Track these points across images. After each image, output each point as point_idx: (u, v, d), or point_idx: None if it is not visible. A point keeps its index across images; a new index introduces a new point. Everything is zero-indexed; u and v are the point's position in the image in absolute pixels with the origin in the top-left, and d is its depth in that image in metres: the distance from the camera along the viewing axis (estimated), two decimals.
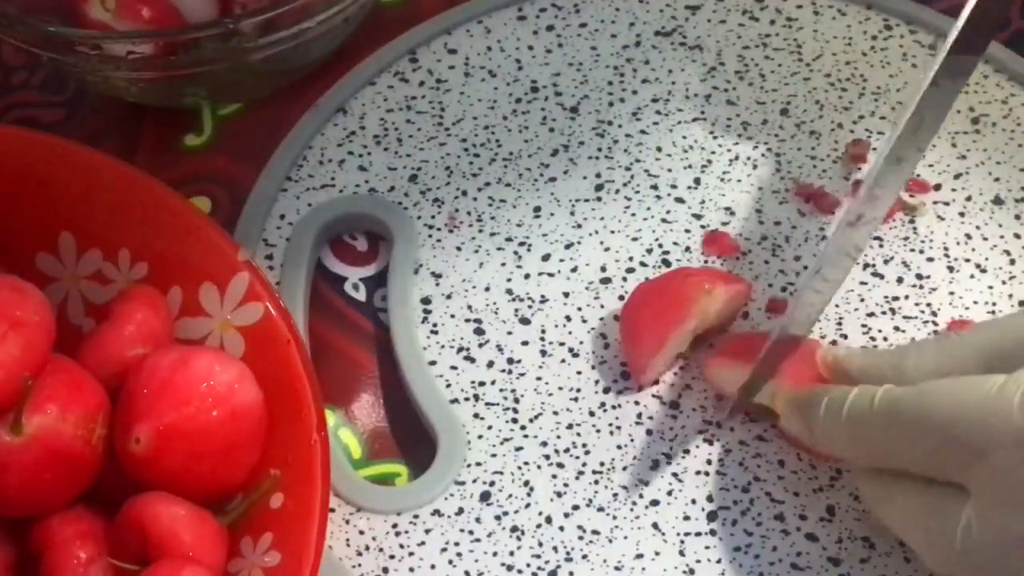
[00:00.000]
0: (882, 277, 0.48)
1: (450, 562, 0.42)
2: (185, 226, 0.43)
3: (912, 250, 0.49)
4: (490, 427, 0.45)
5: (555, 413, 0.45)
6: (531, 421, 0.45)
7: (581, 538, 0.43)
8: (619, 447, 0.44)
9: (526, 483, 0.44)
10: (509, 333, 0.47)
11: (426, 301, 0.48)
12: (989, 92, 0.53)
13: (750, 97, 0.54)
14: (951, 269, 0.48)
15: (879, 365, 0.39)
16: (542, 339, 0.47)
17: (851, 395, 0.37)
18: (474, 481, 0.44)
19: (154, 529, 0.37)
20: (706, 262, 0.49)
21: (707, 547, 0.42)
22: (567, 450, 0.44)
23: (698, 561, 0.42)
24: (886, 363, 0.38)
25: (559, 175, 0.51)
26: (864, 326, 0.47)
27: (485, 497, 0.43)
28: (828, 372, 0.41)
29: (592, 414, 0.45)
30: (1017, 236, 0.49)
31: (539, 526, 0.43)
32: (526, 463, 0.44)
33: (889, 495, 0.37)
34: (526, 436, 0.45)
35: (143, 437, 0.38)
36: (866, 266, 0.48)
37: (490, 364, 0.46)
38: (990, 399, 0.34)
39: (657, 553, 0.42)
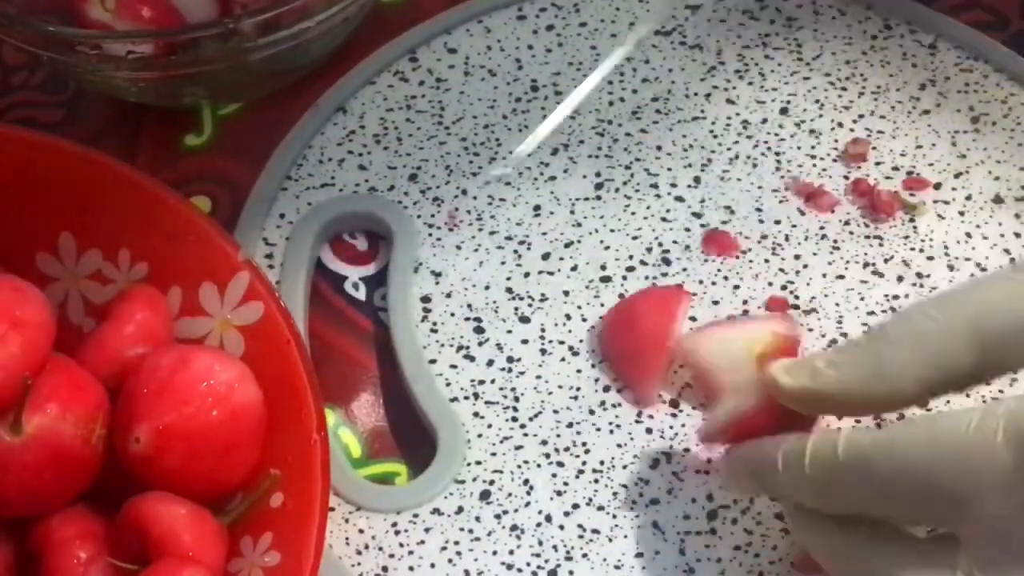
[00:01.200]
0: (882, 276, 0.48)
1: (450, 561, 0.42)
2: (185, 226, 0.43)
3: (912, 249, 0.49)
4: (490, 426, 0.45)
5: (555, 412, 0.45)
6: (531, 420, 0.45)
7: (581, 537, 0.43)
8: (619, 446, 0.44)
9: (526, 482, 0.44)
10: (509, 332, 0.47)
11: (426, 300, 0.48)
12: (989, 92, 0.53)
13: (750, 96, 0.54)
14: (951, 268, 0.48)
15: (859, 377, 0.34)
16: (542, 338, 0.47)
17: (809, 446, 0.34)
18: (474, 480, 0.44)
19: (154, 529, 0.37)
20: (706, 261, 0.49)
21: (707, 546, 0.42)
22: (567, 449, 0.44)
23: (698, 560, 0.42)
24: (864, 373, 0.34)
25: (559, 174, 0.51)
26: (864, 325, 0.47)
27: (485, 496, 0.43)
28: (789, 398, 0.36)
29: (592, 412, 0.45)
30: (1017, 235, 0.49)
31: (539, 525, 0.43)
32: (526, 462, 0.44)
33: (847, 541, 0.34)
34: (526, 435, 0.45)
35: (143, 437, 0.38)
36: (866, 265, 0.48)
37: (490, 363, 0.46)
38: (970, 439, 0.30)
39: (657, 552, 0.42)
